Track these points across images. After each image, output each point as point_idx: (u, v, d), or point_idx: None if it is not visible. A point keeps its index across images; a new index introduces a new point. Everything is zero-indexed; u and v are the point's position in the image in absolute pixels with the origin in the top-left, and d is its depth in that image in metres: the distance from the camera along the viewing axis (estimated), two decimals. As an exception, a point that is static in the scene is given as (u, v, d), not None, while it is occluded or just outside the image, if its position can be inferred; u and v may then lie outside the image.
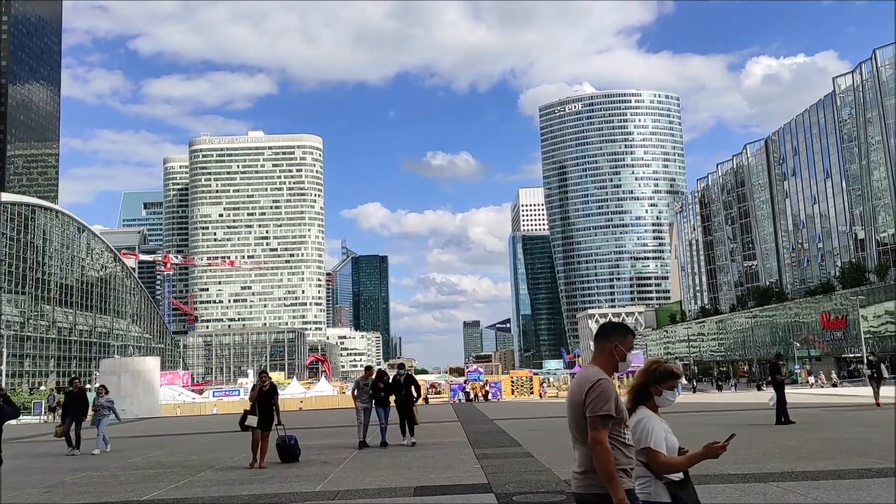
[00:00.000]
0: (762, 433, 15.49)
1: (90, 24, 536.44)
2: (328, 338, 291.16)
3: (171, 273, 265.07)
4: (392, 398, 16.33)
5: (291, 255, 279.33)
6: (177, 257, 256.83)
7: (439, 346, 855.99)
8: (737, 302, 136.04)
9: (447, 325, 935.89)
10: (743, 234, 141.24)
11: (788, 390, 51.78)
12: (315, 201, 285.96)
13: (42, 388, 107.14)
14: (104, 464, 15.12)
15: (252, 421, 13.61)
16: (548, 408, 34.67)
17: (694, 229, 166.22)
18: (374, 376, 16.50)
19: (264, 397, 13.80)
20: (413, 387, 16.29)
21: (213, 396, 78.87)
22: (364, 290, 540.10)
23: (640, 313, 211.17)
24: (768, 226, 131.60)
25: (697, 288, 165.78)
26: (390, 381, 16.16)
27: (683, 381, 49.50)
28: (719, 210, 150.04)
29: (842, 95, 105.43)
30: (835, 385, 59.62)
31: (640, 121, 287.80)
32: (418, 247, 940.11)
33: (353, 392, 16.63)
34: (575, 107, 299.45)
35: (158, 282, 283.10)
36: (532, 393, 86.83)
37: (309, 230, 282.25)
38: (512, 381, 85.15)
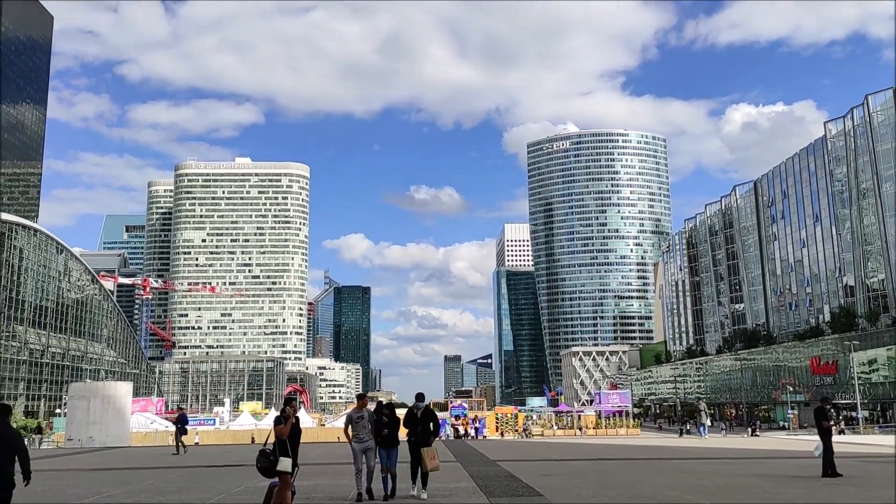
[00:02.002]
0: (819, 489, 13.66)
1: (79, 49, 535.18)
2: (307, 368, 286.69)
3: (150, 297, 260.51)
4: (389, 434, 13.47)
5: (273, 283, 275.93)
6: (157, 281, 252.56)
7: (419, 380, 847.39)
8: (723, 344, 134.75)
9: (427, 358, 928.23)
10: (730, 276, 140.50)
11: (784, 436, 49.71)
12: (300, 230, 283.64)
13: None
14: (55, 504, 13.00)
15: (286, 465, 10.59)
16: (545, 448, 32.60)
17: (680, 269, 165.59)
18: (367, 407, 13.69)
19: (295, 433, 11.07)
20: (432, 423, 13.34)
21: (188, 425, 75.67)
22: (345, 320, 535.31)
23: (623, 352, 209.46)
24: (756, 268, 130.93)
25: (682, 328, 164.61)
26: (400, 413, 13.68)
27: (708, 422, 47.41)
28: (706, 251, 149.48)
29: (833, 140, 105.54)
30: (842, 432, 57.86)
31: (626, 160, 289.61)
32: (400, 279, 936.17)
33: (346, 428, 13.58)
34: (563, 144, 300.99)
35: (137, 306, 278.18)
36: (518, 431, 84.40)
37: (292, 258, 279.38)
38: (497, 418, 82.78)
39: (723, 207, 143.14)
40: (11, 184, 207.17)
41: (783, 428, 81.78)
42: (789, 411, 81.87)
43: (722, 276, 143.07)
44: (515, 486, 14.23)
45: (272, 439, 10.94)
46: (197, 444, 53.50)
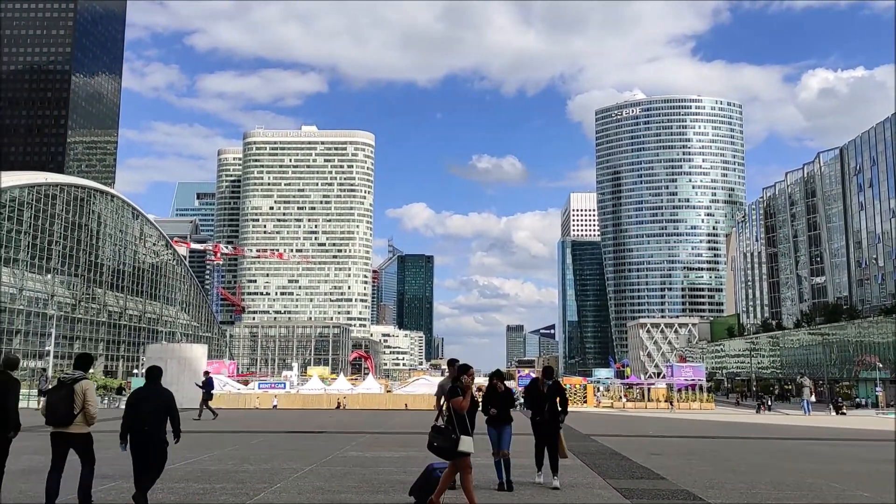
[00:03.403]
0: None
1: (150, 20, 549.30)
2: (372, 335, 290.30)
3: (220, 263, 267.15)
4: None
5: (339, 251, 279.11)
6: (227, 247, 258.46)
7: (480, 350, 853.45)
8: (801, 318, 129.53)
9: (489, 328, 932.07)
10: (811, 247, 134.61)
11: (877, 415, 46.84)
12: (365, 198, 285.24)
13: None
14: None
15: (468, 445, 8.71)
16: (629, 422, 31.15)
17: (756, 240, 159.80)
18: (459, 373, 10.51)
19: (472, 407, 9.25)
20: (559, 400, 11.25)
21: (259, 388, 76.99)
22: (409, 289, 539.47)
23: (693, 325, 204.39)
24: (839, 239, 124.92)
25: (757, 301, 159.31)
26: (513, 388, 12.12)
27: (813, 398, 45.14)
28: (785, 221, 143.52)
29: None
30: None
31: (699, 128, 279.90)
32: (461, 249, 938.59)
33: (437, 400, 11.58)
34: (632, 111, 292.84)
35: (208, 271, 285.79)
36: (586, 402, 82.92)
37: (357, 226, 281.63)
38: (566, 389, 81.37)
39: (804, 175, 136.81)
40: (89, 152, 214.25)
41: (860, 406, 77.85)
42: (877, 388, 77.84)
43: (801, 248, 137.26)
44: (627, 465, 12.93)
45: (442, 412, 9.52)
46: (275, 406, 54.03)
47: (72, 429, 8.62)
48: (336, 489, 10.38)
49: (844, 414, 58.35)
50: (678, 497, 9.56)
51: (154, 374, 9.34)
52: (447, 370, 11.19)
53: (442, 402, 10.53)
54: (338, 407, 53.08)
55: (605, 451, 15.22)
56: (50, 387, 8.85)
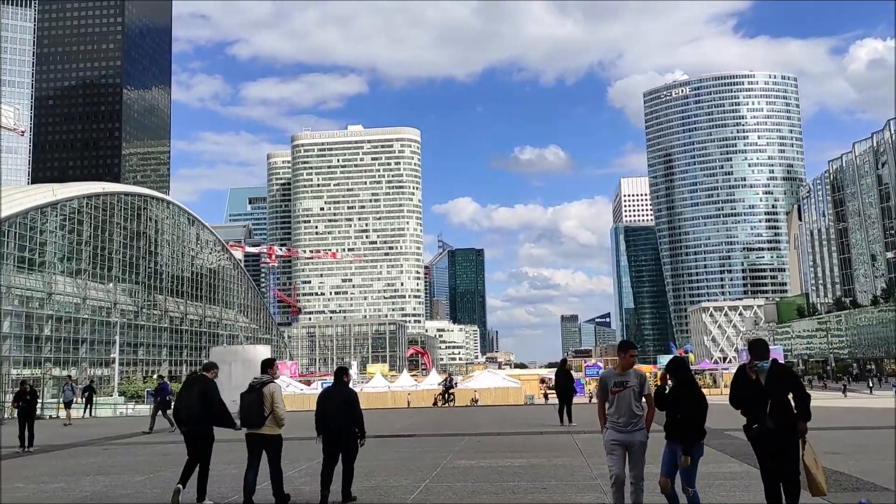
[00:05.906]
0: None
1: (193, 33, 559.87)
2: (427, 330, 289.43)
3: (275, 265, 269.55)
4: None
5: (390, 248, 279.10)
6: (281, 249, 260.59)
7: (534, 341, 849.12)
8: (880, 294, 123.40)
9: (541, 319, 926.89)
10: (884, 220, 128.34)
11: None
12: (413, 194, 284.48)
13: (154, 376, 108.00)
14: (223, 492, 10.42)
15: None
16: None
17: (823, 216, 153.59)
18: (633, 363, 7.58)
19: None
20: (796, 394, 6.89)
21: (322, 388, 75.83)
22: (460, 283, 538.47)
23: (759, 307, 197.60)
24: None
25: (826, 279, 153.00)
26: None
27: None
28: (855, 194, 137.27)
29: None
30: None
31: (753, 104, 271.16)
32: (509, 241, 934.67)
33: (600, 404, 7.74)
34: (681, 91, 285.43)
35: (263, 274, 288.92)
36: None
37: (407, 223, 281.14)
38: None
39: (874, 145, 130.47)
40: (144, 162, 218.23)
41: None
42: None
43: (874, 221, 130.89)
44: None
45: None
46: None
47: (263, 430, 9.23)
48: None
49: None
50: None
51: (338, 373, 10.17)
52: (617, 357, 7.91)
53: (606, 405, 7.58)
54: (438, 403, 50.37)
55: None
56: (77, 399, 8.88)
